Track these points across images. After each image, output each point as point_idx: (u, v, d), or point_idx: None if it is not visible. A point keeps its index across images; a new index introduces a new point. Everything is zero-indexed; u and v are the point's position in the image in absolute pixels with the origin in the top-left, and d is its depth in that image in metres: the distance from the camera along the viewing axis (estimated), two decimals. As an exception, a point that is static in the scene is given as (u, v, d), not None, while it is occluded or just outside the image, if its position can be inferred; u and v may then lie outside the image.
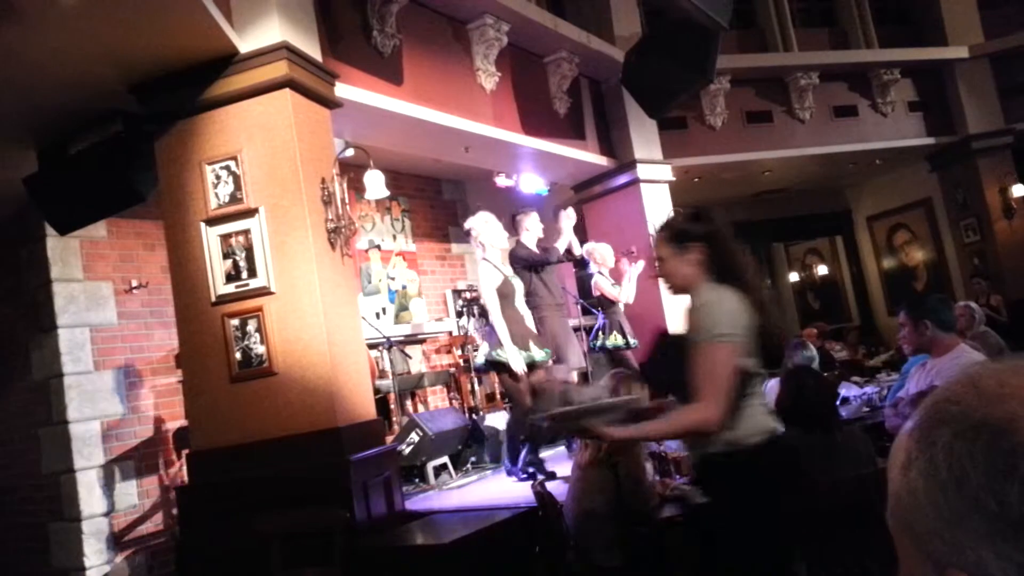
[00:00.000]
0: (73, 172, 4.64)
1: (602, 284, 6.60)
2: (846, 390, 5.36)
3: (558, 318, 5.88)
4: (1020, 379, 0.58)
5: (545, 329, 5.75)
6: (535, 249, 5.87)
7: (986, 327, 5.74)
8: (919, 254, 11.34)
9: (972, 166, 9.81)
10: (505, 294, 5.11)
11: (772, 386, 5.12)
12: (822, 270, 13.06)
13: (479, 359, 5.19)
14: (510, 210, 6.63)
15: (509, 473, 5.11)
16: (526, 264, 5.83)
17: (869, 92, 9.58)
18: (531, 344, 5.13)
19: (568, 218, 6.06)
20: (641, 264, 6.57)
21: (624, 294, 6.61)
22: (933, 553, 0.57)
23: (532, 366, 5.07)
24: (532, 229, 5.90)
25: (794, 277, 13.34)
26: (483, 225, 5.20)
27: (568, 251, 5.99)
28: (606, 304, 6.60)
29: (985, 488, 0.54)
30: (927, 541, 0.57)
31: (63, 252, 5.46)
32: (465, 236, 5.58)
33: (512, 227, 6.02)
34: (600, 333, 6.57)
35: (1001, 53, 9.71)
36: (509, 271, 5.33)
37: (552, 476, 4.87)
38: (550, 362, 5.53)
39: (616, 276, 6.73)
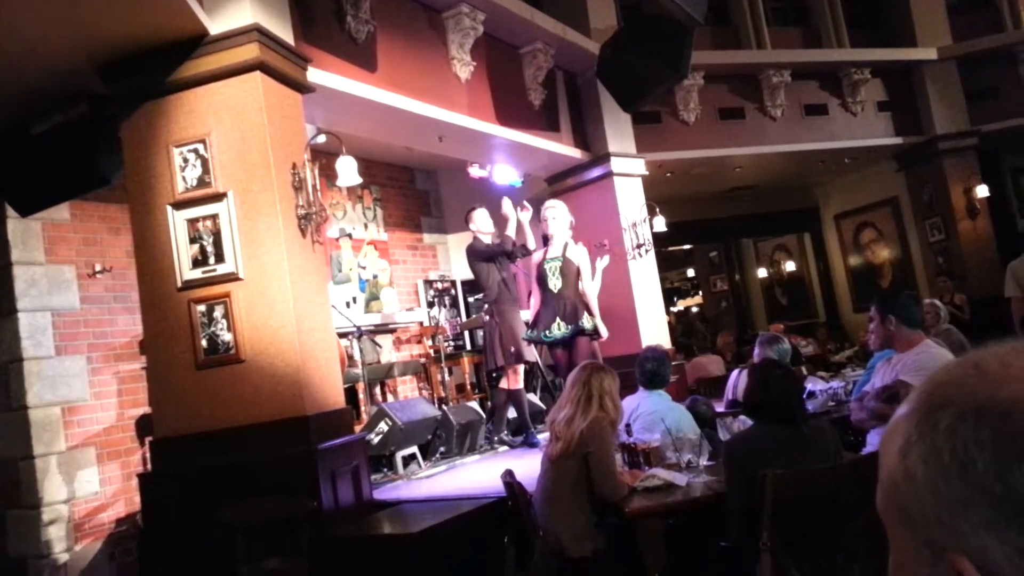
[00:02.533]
0: (36, 153, 4.53)
1: None
2: (812, 384, 5.41)
3: (515, 312, 5.93)
4: None
5: (504, 323, 5.76)
6: (489, 243, 5.95)
7: (950, 325, 5.85)
8: (885, 252, 11.51)
9: (938, 166, 9.97)
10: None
11: (739, 378, 5.20)
12: (790, 266, 13.21)
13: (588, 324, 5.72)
14: (483, 200, 6.61)
15: None
16: (483, 256, 5.89)
17: (840, 91, 9.70)
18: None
19: (507, 205, 6.04)
20: (607, 258, 6.60)
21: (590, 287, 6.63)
22: (931, 539, 0.55)
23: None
24: (482, 224, 5.95)
25: (762, 273, 13.48)
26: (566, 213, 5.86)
27: (523, 245, 6.05)
28: None
29: (991, 472, 0.52)
30: (925, 527, 0.55)
31: (24, 234, 5.33)
32: (542, 213, 5.97)
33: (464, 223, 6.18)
34: None
35: (968, 56, 9.87)
36: None
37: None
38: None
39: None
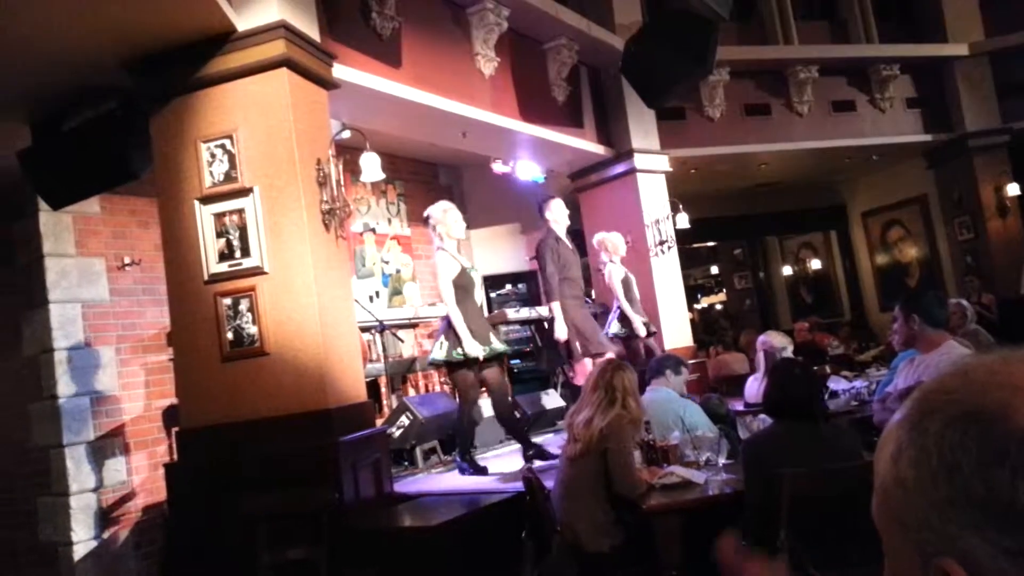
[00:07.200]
0: (67, 147, 4.61)
1: (615, 273, 6.61)
2: (835, 384, 5.37)
3: (579, 308, 5.86)
4: (1011, 368, 0.58)
5: (566, 319, 5.71)
6: (564, 237, 5.83)
7: (977, 325, 5.77)
8: (912, 251, 11.36)
9: (968, 164, 9.81)
10: (462, 286, 4.86)
11: (754, 384, 5.20)
12: (815, 264, 13.08)
13: (438, 355, 4.85)
14: (505, 196, 6.61)
15: (461, 471, 4.95)
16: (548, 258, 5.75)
17: (868, 87, 9.57)
18: (492, 337, 4.93)
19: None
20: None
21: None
22: (921, 542, 0.57)
23: (490, 360, 4.89)
24: (559, 216, 5.85)
25: (787, 271, 13.37)
26: (442, 214, 4.97)
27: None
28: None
29: (976, 475, 0.54)
30: (915, 531, 0.57)
31: (55, 227, 5.44)
32: (423, 223, 5.26)
33: (539, 214, 6.01)
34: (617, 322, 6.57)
35: (1001, 51, 9.69)
36: (467, 262, 5.11)
37: (484, 471, 4.85)
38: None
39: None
